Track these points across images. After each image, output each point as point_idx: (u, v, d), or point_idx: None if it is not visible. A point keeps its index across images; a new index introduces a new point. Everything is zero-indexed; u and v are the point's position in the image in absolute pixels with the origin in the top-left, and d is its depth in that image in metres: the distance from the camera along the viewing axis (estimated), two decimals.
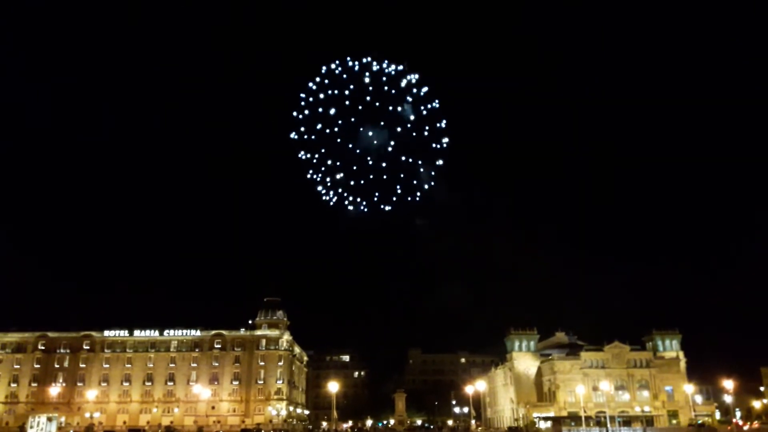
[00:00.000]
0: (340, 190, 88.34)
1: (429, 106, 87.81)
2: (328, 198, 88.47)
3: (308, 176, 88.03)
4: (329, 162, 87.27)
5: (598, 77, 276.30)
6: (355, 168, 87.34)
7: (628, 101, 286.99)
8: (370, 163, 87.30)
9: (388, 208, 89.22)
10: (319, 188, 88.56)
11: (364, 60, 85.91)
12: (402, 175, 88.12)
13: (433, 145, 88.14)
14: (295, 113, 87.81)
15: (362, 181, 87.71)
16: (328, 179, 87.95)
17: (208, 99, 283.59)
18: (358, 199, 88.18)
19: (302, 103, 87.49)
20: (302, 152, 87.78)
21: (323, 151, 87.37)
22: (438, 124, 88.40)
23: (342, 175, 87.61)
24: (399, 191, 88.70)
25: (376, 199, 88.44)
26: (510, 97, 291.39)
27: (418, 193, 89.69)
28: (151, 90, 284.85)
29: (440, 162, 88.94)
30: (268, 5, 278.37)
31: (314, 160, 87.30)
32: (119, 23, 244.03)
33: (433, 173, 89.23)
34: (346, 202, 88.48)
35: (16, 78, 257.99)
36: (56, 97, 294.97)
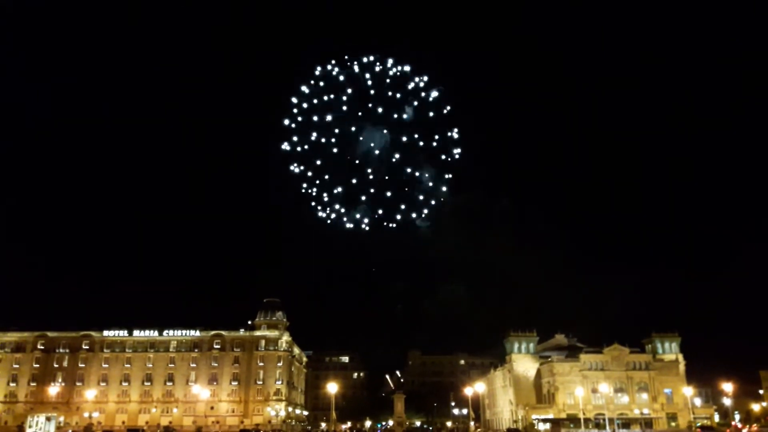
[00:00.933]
0: (337, 207, 78.17)
1: (439, 112, 77.80)
2: (324, 215, 78.37)
3: (302, 191, 78.08)
4: (325, 176, 76.94)
5: (600, 79, 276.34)
6: (354, 182, 77.36)
7: (629, 104, 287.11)
8: (371, 176, 77.21)
9: (392, 225, 79.46)
10: (314, 203, 78.75)
11: (365, 59, 76.47)
12: (407, 189, 78.30)
13: (443, 157, 78.28)
14: (286, 121, 77.24)
15: (363, 197, 77.85)
16: (324, 194, 78.13)
17: (208, 99, 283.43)
18: (358, 216, 78.48)
19: (294, 110, 77.13)
20: (295, 164, 77.73)
21: (318, 163, 77.24)
22: (449, 133, 78.15)
23: (340, 189, 77.32)
24: (404, 208, 78.83)
25: (378, 216, 78.51)
26: (510, 98, 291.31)
27: (425, 211, 79.73)
28: (151, 90, 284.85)
29: (449, 176, 79.30)
30: (268, 5, 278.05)
31: (308, 173, 77.39)
32: (119, 23, 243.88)
33: (444, 189, 79.80)
34: (345, 219, 78.59)
35: (16, 78, 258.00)
36: (56, 97, 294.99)
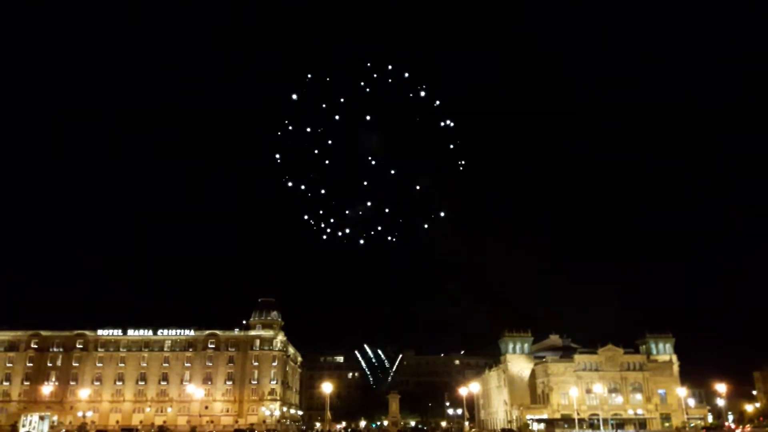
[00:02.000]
0: (332, 221, 75.04)
1: (441, 124, 74.08)
2: (319, 230, 75.21)
3: (296, 194, 74.51)
4: (319, 189, 73.53)
5: (600, 79, 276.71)
6: (350, 196, 74.40)
7: (628, 104, 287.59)
8: (366, 179, 73.98)
9: (387, 227, 76.46)
10: (307, 217, 75.45)
11: (360, 64, 73.61)
12: (402, 191, 75.22)
13: (440, 158, 75.20)
14: (279, 133, 74.28)
15: (360, 212, 74.87)
16: (319, 209, 74.95)
17: (208, 99, 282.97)
18: (353, 229, 75.49)
19: (285, 121, 73.92)
20: (287, 176, 74.77)
21: (311, 176, 74.13)
22: (450, 145, 74.44)
23: (334, 203, 74.10)
24: (400, 210, 75.81)
25: (375, 233, 75.16)
26: (510, 98, 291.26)
27: (426, 226, 76.65)
28: (151, 90, 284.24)
29: (446, 177, 77.05)
30: (268, 5, 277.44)
31: (301, 187, 74.37)
32: (119, 23, 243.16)
33: (441, 191, 77.65)
34: (340, 234, 75.16)
35: (16, 78, 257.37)
36: (56, 97, 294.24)
